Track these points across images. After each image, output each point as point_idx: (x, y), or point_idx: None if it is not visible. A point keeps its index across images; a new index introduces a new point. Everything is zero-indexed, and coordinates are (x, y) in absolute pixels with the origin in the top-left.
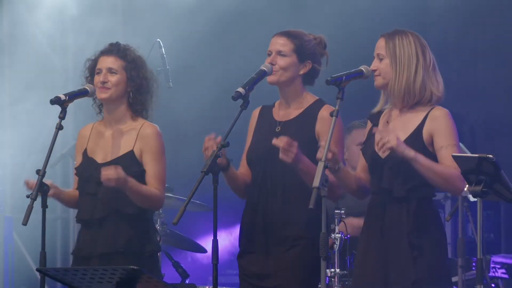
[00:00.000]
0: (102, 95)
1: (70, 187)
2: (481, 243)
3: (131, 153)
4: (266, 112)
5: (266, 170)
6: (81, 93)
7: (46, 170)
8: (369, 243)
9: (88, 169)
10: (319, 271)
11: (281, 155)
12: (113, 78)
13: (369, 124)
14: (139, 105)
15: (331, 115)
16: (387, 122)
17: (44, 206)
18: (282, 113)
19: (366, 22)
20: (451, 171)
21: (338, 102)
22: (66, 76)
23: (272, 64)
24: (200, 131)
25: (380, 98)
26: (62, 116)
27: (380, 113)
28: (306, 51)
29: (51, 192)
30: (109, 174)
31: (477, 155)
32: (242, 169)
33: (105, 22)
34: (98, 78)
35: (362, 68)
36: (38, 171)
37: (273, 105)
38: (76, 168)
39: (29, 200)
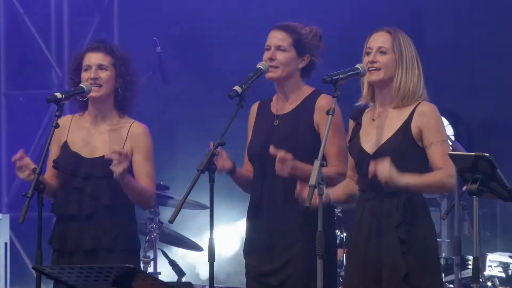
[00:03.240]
0: (93, 93)
1: None
2: (477, 242)
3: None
4: (265, 106)
5: (267, 164)
6: (78, 91)
7: (43, 168)
8: (359, 239)
9: (71, 163)
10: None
11: (277, 170)
12: (103, 74)
13: (352, 122)
14: (126, 102)
15: (328, 113)
16: (373, 120)
17: (41, 204)
18: (280, 106)
19: (363, 22)
20: (440, 177)
21: (334, 100)
22: (62, 74)
23: (271, 59)
24: (196, 129)
25: (364, 92)
26: (59, 114)
27: (362, 111)
28: (305, 44)
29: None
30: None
31: (473, 153)
32: (246, 166)
33: (101, 20)
34: (87, 75)
35: (359, 66)
36: (34, 170)
37: (271, 99)
38: (54, 160)
39: (25, 198)
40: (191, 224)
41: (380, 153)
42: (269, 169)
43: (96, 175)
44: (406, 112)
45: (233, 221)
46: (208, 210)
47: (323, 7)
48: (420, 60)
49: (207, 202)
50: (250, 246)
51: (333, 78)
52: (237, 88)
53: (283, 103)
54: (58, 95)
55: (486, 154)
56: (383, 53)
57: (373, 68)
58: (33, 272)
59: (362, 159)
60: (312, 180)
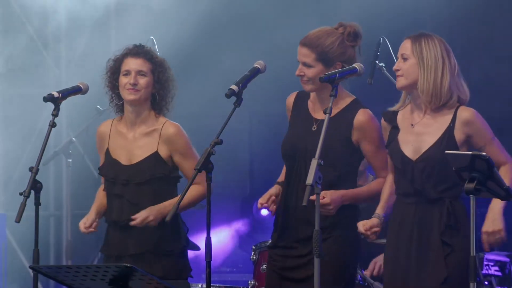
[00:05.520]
0: (131, 96)
1: (63, 184)
2: (474, 241)
3: (155, 154)
4: (302, 101)
5: (301, 166)
6: (75, 91)
7: (39, 167)
8: (399, 244)
9: (112, 170)
10: (351, 265)
11: (322, 213)
12: (142, 81)
13: (386, 124)
14: (163, 105)
15: (325, 112)
16: (412, 125)
17: (37, 203)
18: (319, 111)
19: (358, 22)
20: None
21: (331, 99)
22: (60, 73)
23: (301, 75)
24: (194, 129)
25: (401, 98)
26: (55, 113)
27: (395, 113)
28: (330, 55)
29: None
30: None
31: (470, 152)
32: None
33: (98, 19)
34: (126, 80)
35: (356, 65)
36: (31, 169)
37: (309, 96)
38: (100, 168)
39: (22, 197)
40: (188, 223)
41: (423, 159)
42: (300, 170)
43: (134, 182)
44: (446, 118)
45: (231, 222)
46: (205, 209)
47: (325, 8)
48: (449, 58)
49: (204, 201)
50: (278, 242)
51: (330, 77)
52: (233, 87)
53: (322, 108)
54: (55, 94)
55: (483, 153)
56: (405, 59)
57: (398, 75)
58: (30, 271)
59: (404, 164)
60: (309, 180)
